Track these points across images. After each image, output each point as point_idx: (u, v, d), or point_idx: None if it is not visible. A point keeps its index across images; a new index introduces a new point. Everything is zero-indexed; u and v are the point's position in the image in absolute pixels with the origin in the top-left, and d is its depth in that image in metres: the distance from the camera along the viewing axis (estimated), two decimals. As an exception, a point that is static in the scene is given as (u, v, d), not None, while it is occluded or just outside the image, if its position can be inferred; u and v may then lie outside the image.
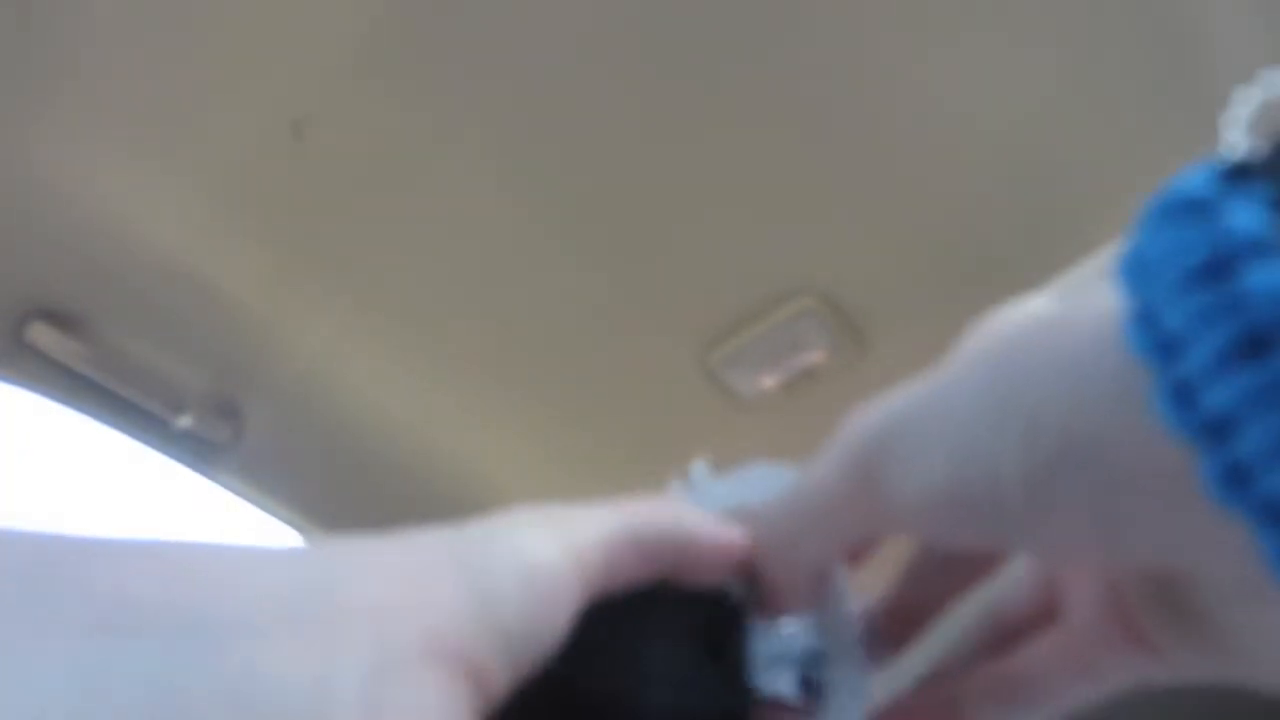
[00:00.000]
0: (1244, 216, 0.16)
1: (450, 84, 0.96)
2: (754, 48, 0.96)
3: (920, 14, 0.95)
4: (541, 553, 0.24)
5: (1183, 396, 0.16)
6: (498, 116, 0.99)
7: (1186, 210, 0.17)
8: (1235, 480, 0.15)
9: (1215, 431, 0.15)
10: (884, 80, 1.00)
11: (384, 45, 0.93)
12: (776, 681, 0.27)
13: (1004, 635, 0.28)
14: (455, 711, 0.19)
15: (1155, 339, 0.16)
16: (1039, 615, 0.27)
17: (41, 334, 0.98)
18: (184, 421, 1.08)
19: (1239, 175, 0.16)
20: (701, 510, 0.28)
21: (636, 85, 0.98)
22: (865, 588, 0.28)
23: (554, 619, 0.22)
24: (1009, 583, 0.28)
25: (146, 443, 1.09)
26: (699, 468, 0.31)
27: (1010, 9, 0.95)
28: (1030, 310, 0.23)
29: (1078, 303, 0.20)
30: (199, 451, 1.12)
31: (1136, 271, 0.17)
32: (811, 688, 0.27)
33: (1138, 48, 0.99)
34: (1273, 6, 0.96)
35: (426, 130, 0.99)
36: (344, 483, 1.22)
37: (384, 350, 1.15)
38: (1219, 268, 0.15)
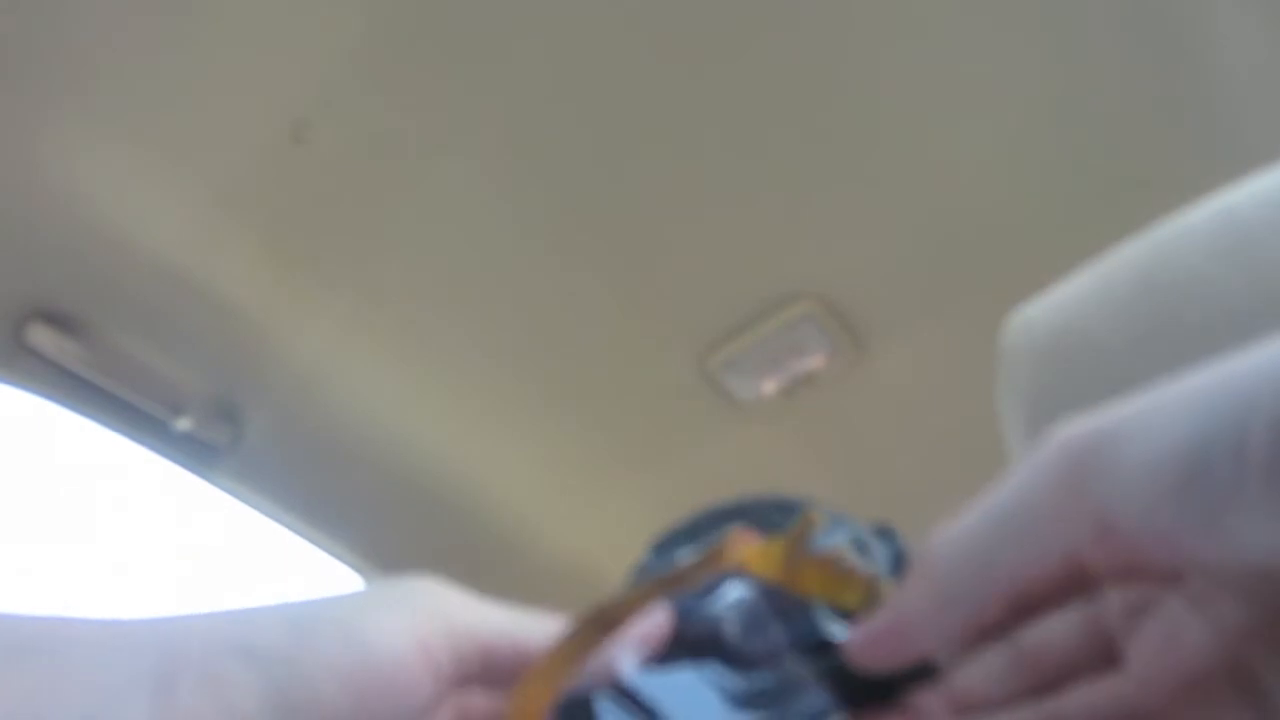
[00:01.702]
0: None
1: (448, 87, 0.96)
2: (753, 51, 0.96)
3: (920, 19, 0.96)
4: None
5: None
6: (496, 119, 0.99)
7: None
8: None
9: None
10: (883, 85, 1.00)
11: (383, 48, 0.93)
12: None
13: (1045, 674, 0.27)
14: None
15: None
16: (1089, 659, 0.26)
17: (41, 336, 0.98)
18: (183, 424, 1.08)
19: None
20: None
21: (636, 89, 0.98)
22: None
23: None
24: (1053, 623, 0.27)
25: (146, 445, 1.09)
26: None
27: (1010, 14, 0.96)
28: None
29: None
30: (198, 454, 1.12)
31: None
32: None
33: (1137, 51, 0.99)
34: (1272, 8, 0.96)
35: (425, 133, 0.99)
36: (342, 485, 1.22)
37: (383, 353, 1.15)
38: None
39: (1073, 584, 0.25)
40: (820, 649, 0.26)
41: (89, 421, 1.05)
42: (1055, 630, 0.26)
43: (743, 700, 0.24)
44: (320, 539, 1.24)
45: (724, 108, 1.00)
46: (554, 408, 1.25)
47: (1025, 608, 0.26)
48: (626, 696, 0.23)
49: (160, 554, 1.29)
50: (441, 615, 0.27)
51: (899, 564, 0.31)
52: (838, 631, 0.26)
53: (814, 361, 1.22)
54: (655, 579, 0.28)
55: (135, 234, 0.99)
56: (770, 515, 0.30)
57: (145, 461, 1.11)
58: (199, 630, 0.24)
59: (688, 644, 0.26)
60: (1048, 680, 0.26)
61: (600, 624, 0.28)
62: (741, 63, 0.97)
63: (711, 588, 0.27)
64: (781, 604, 0.27)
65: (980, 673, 0.26)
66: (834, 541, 0.29)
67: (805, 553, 0.28)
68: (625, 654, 0.25)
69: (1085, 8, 0.96)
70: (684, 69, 0.97)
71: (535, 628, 0.28)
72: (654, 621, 0.27)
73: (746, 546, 0.29)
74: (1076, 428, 0.24)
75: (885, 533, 0.31)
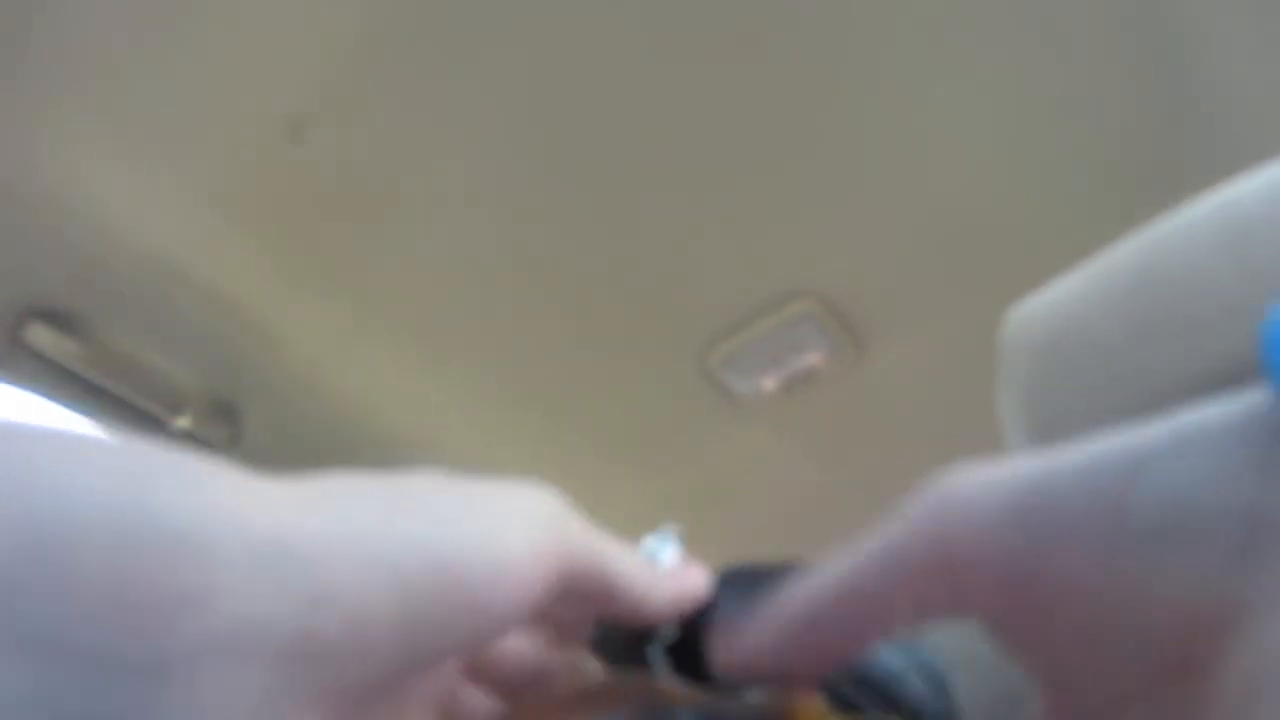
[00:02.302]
0: None
1: (447, 86, 0.96)
2: (753, 51, 0.96)
3: (920, 19, 0.96)
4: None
5: None
6: (495, 118, 0.99)
7: None
8: None
9: None
10: (884, 83, 1.00)
11: (382, 46, 0.93)
12: None
13: None
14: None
15: None
16: None
17: (39, 334, 0.98)
18: (182, 423, 1.08)
19: None
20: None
21: (636, 88, 0.98)
22: None
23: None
24: None
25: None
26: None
27: (1010, 14, 0.95)
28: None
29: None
30: (196, 453, 1.12)
31: None
32: None
33: (1137, 51, 0.99)
34: (1272, 9, 0.96)
35: (425, 131, 0.99)
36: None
37: (382, 352, 1.15)
38: None
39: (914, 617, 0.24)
40: None
41: (87, 420, 1.05)
42: None
43: None
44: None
45: (724, 106, 1.00)
46: (554, 405, 1.25)
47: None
48: None
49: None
50: (560, 530, 0.24)
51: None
52: None
53: (813, 359, 1.22)
54: (710, 695, 0.26)
55: (134, 232, 0.99)
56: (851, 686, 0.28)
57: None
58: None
59: None
60: None
61: (629, 695, 0.26)
62: (741, 61, 0.97)
63: None
64: None
65: None
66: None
67: None
68: None
69: (1086, 8, 0.96)
70: (684, 67, 0.97)
71: (639, 570, 0.26)
72: None
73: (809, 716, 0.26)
74: (951, 475, 0.23)
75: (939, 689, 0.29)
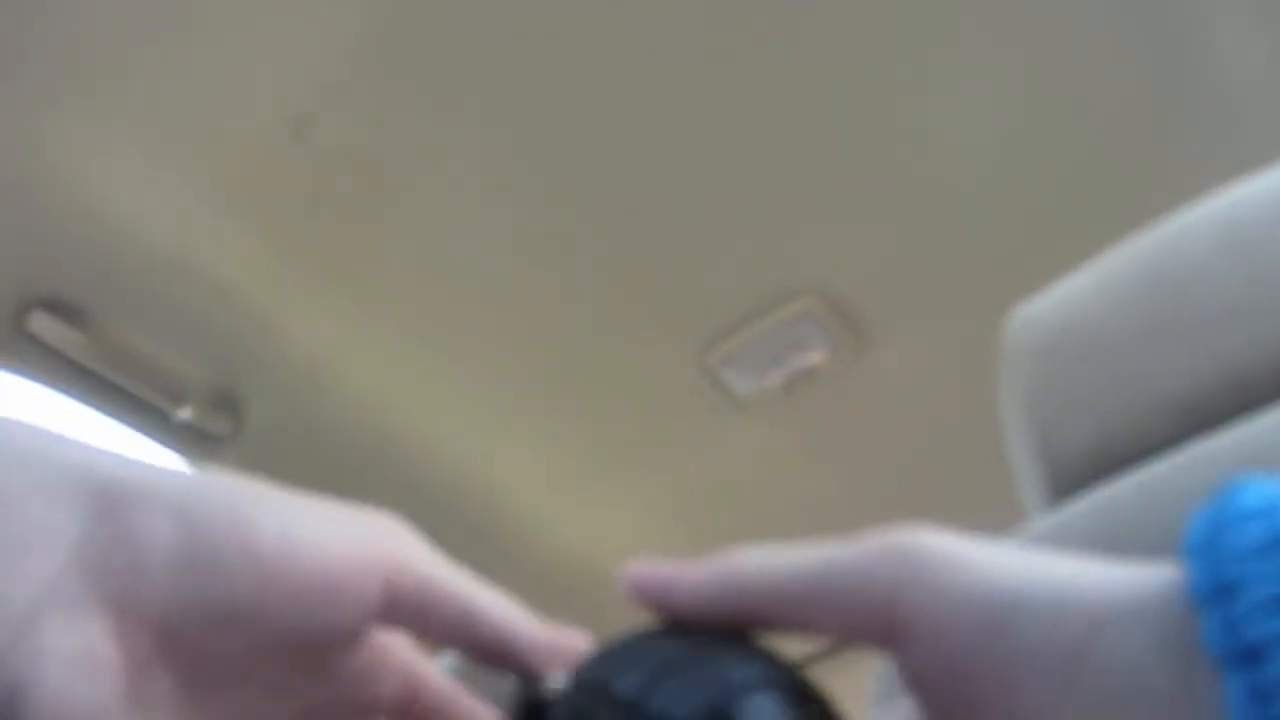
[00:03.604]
0: None
1: (449, 83, 0.96)
2: (755, 50, 0.96)
3: (921, 19, 0.96)
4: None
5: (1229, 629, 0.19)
6: (497, 115, 0.99)
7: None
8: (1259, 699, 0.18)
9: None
10: (886, 84, 1.00)
11: (385, 43, 0.93)
12: None
13: None
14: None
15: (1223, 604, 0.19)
16: None
17: (43, 323, 0.98)
18: (184, 413, 1.08)
19: None
20: None
21: (637, 87, 0.98)
22: None
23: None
24: None
25: (146, 434, 1.09)
26: None
27: (1012, 14, 0.95)
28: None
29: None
30: (198, 443, 1.13)
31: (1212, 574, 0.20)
32: None
33: (1139, 50, 0.99)
34: (1272, 8, 0.96)
35: (427, 127, 0.99)
36: (343, 476, 1.22)
37: (383, 346, 1.16)
38: None
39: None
40: None
41: (90, 410, 1.05)
42: None
43: None
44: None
45: (725, 105, 1.00)
46: (555, 401, 1.25)
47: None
48: None
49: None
50: (394, 545, 0.26)
51: None
52: None
53: (814, 358, 1.22)
54: None
55: (137, 224, 0.99)
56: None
57: (145, 451, 1.11)
58: (142, 476, 0.23)
59: None
60: None
61: None
62: (743, 61, 0.97)
63: None
64: None
65: None
66: None
67: None
68: None
69: (1087, 8, 0.96)
70: (685, 67, 0.97)
71: (489, 600, 0.26)
72: None
73: None
74: (927, 547, 0.23)
75: None
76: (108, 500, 0.23)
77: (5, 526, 0.21)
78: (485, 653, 0.27)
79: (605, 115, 1.00)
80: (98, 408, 1.05)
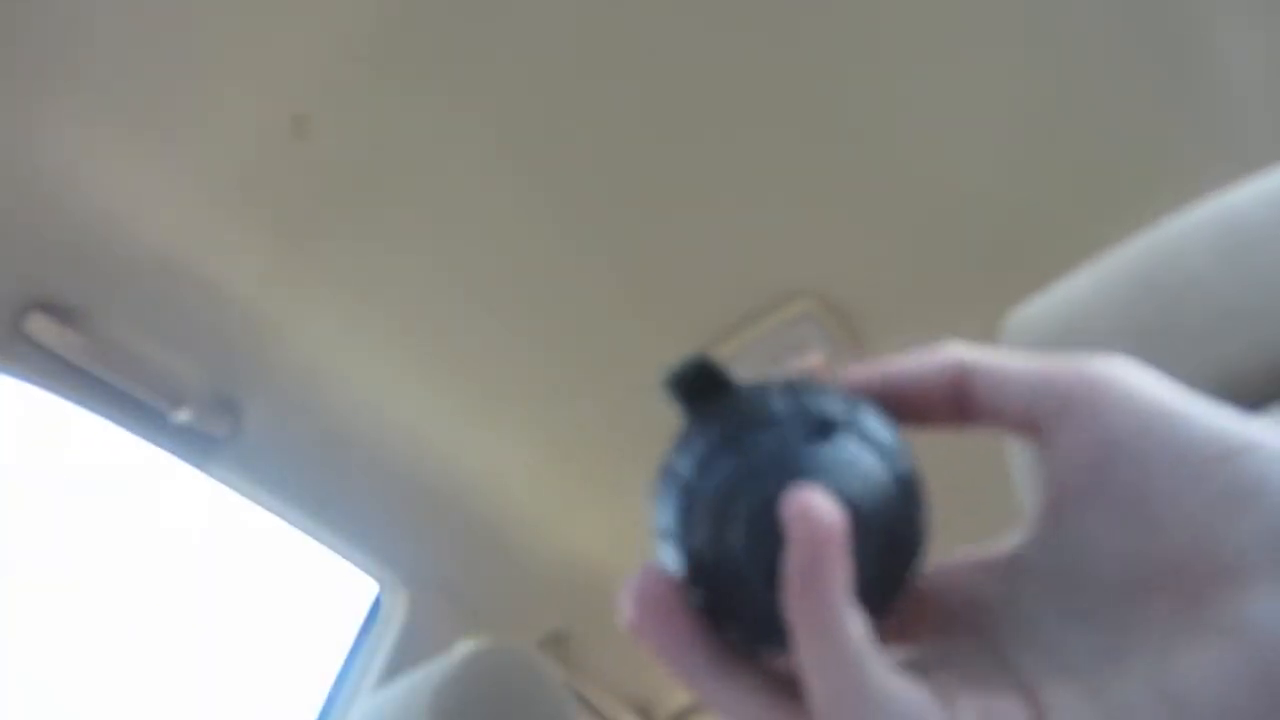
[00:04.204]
0: None
1: (451, 82, 0.96)
2: (755, 52, 0.97)
3: (920, 20, 0.96)
4: None
5: None
6: (498, 114, 0.99)
7: None
8: None
9: None
10: (885, 84, 1.00)
11: (385, 41, 0.93)
12: None
13: None
14: None
15: None
16: None
17: (40, 325, 0.98)
18: (182, 415, 1.08)
19: None
20: None
21: (638, 87, 0.98)
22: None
23: None
24: None
25: (144, 436, 1.09)
26: None
27: (1011, 14, 0.96)
28: None
29: None
30: (196, 445, 1.12)
31: None
32: None
33: (1137, 52, 0.99)
34: (1272, 8, 0.96)
35: (427, 128, 0.99)
36: (341, 478, 1.22)
37: (382, 347, 1.16)
38: None
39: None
40: None
41: (88, 412, 1.05)
42: None
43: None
44: (318, 531, 1.24)
45: (725, 107, 1.00)
46: (554, 402, 1.25)
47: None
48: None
49: (157, 548, 1.29)
50: None
51: None
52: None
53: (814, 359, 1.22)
54: None
55: (135, 225, 0.99)
56: None
57: (143, 452, 1.11)
58: None
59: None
60: None
61: None
62: (743, 63, 0.97)
63: None
64: None
65: None
66: None
67: None
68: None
69: (1086, 9, 0.96)
70: (686, 68, 0.97)
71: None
72: None
73: None
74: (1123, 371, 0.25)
75: None
76: None
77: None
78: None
79: (605, 117, 1.00)
80: (96, 410, 1.05)
